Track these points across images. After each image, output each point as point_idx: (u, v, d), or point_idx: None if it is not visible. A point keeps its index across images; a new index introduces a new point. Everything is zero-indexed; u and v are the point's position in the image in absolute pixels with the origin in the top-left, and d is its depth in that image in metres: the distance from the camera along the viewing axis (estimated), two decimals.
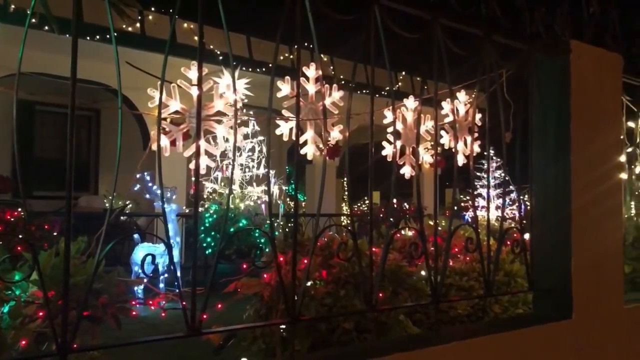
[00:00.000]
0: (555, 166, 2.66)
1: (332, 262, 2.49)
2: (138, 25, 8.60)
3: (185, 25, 9.22)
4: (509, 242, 2.62)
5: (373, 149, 1.99)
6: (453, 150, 2.22)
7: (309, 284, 2.47)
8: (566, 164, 2.62)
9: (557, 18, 2.83)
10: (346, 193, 22.84)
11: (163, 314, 4.78)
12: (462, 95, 2.45)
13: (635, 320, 3.03)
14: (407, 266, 2.73)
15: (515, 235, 2.65)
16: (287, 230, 10.56)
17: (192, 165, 1.41)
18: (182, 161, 9.79)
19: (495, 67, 2.45)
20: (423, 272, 2.28)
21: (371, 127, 1.96)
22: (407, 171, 2.32)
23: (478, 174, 15.00)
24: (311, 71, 2.19)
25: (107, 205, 13.02)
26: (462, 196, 16.87)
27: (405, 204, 15.32)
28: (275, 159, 16.19)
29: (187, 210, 8.69)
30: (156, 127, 1.48)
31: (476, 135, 2.46)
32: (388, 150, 2.31)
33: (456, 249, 3.30)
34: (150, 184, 7.05)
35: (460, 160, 2.42)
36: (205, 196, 8.54)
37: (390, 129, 2.09)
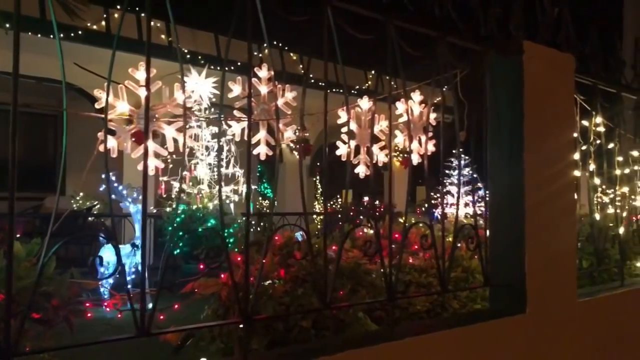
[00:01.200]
0: (509, 165, 2.72)
1: (290, 261, 2.51)
2: (103, 23, 8.48)
3: (152, 23, 9.09)
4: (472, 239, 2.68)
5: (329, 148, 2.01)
6: (408, 149, 2.26)
7: (267, 283, 2.48)
8: (519, 163, 2.68)
9: (511, 19, 2.90)
10: (319, 192, 22.89)
11: (119, 315, 4.73)
12: (416, 95, 2.49)
13: (589, 313, 3.13)
14: (367, 264, 2.77)
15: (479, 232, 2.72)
16: (259, 229, 10.53)
17: (140, 167, 1.41)
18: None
19: (450, 67, 2.49)
20: (385, 269, 2.30)
21: (325, 126, 1.98)
22: (361, 171, 2.35)
23: (447, 171, 15.23)
24: (263, 71, 2.21)
25: (74, 205, 12.82)
26: (432, 194, 17.04)
27: (377, 202, 15.43)
28: (245, 158, 16.10)
29: (155, 211, 8.61)
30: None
31: (431, 134, 2.51)
32: (342, 150, 2.34)
33: (416, 246, 3.35)
34: (115, 184, 6.96)
35: (415, 159, 2.47)
36: (173, 196, 8.46)
37: (344, 129, 2.12)
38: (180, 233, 7.37)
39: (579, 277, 4.72)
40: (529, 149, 2.70)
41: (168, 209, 8.17)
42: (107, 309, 3.86)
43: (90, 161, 1.87)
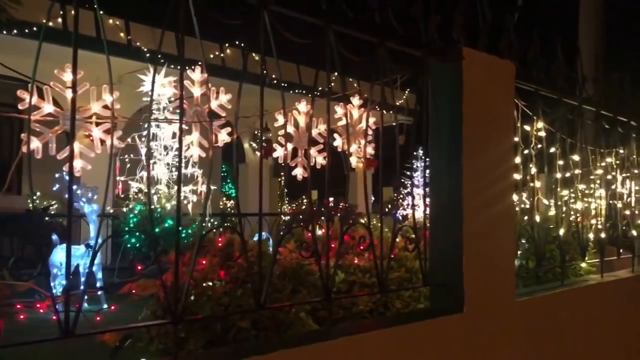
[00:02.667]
0: (449, 169, 2.79)
1: (231, 263, 2.52)
2: (60, 20, 8.31)
3: (111, 21, 8.98)
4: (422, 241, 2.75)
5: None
6: (346, 153, 2.30)
7: (206, 284, 2.49)
8: (459, 167, 2.76)
9: (453, 26, 2.98)
10: (285, 191, 22.86)
11: (54, 317, 4.63)
12: (355, 100, 2.54)
13: (527, 312, 3.23)
14: (309, 264, 2.80)
15: (425, 233, 2.79)
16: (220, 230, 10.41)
17: (65, 168, 1.41)
18: (107, 160, 9.54)
19: (389, 72, 2.55)
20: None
21: (261, 127, 2.00)
22: (299, 173, 2.39)
23: (408, 173, 15.40)
24: (196, 74, 2.22)
25: (30, 205, 12.52)
26: (395, 195, 17.23)
27: (341, 202, 15.54)
28: (209, 158, 16.00)
29: (111, 210, 8.48)
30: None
31: (370, 138, 2.56)
32: (279, 153, 2.36)
33: (362, 247, 3.40)
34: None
35: (354, 162, 2.51)
36: (130, 196, 8.37)
37: (281, 132, 2.14)
38: (157, 230, 7.32)
39: (525, 277, 4.87)
40: (468, 153, 2.77)
41: (125, 209, 8.06)
42: (41, 311, 3.80)
43: (14, 162, 1.85)
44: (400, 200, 16.93)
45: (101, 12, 1.63)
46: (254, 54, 2.29)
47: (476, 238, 2.79)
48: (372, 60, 2.51)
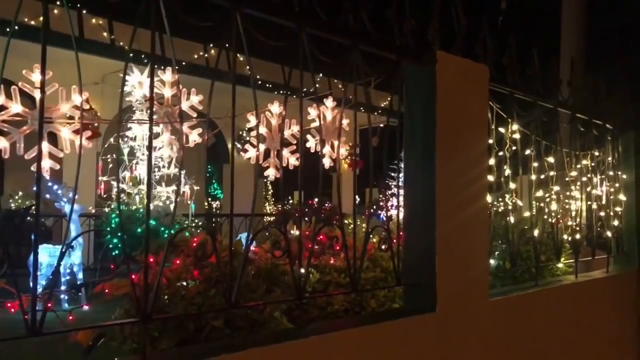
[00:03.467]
0: (422, 171, 2.83)
1: (205, 262, 2.54)
2: (41, 19, 8.21)
3: (94, 20, 8.94)
4: (395, 241, 2.79)
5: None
6: (319, 154, 2.34)
7: (180, 284, 2.51)
8: (432, 169, 2.80)
9: (429, 30, 3.02)
10: (270, 192, 22.85)
11: (25, 317, 4.60)
12: (329, 101, 2.57)
13: (500, 312, 3.28)
14: (284, 264, 2.83)
15: (401, 233, 2.83)
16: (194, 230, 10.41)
17: (33, 167, 1.42)
18: (90, 160, 9.50)
19: (363, 75, 2.58)
20: (303, 270, 2.37)
21: (232, 128, 2.02)
22: (271, 173, 2.42)
23: (393, 174, 15.46)
24: (167, 75, 2.24)
25: (12, 205, 12.41)
26: (381, 195, 17.31)
27: (328, 203, 15.57)
28: (195, 158, 15.98)
29: (93, 210, 8.44)
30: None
31: (344, 139, 2.59)
32: (252, 153, 2.39)
33: (338, 247, 3.43)
34: (50, 184, 6.80)
35: (327, 162, 2.54)
36: (113, 196, 8.33)
37: (254, 133, 2.17)
38: (139, 230, 7.28)
39: (503, 278, 4.93)
40: (441, 155, 2.81)
41: (106, 209, 8.03)
42: (12, 310, 3.78)
43: None
44: (385, 201, 16.98)
45: (79, 7, 1.63)
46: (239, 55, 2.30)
47: (449, 239, 2.84)
48: (346, 62, 2.54)
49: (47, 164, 1.63)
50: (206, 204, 19.13)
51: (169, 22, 1.95)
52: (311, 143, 2.52)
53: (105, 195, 8.48)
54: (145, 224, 1.71)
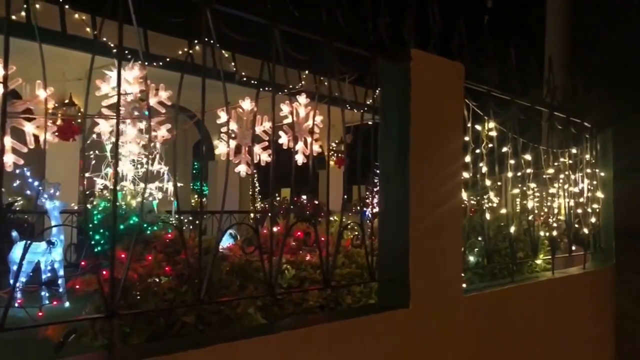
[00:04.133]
0: (396, 167, 2.85)
1: (177, 259, 2.54)
2: (23, 13, 8.17)
3: (77, 15, 8.86)
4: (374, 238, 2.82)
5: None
6: (292, 150, 2.34)
7: (151, 280, 2.51)
8: (405, 166, 2.82)
9: (404, 27, 3.04)
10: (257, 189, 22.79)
11: None
12: (302, 98, 2.57)
13: (475, 307, 3.31)
14: (258, 261, 2.83)
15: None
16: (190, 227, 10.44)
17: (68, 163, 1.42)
18: (73, 156, 9.44)
19: (337, 72, 2.59)
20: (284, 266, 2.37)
21: (202, 124, 2.02)
22: (242, 169, 2.42)
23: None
24: (135, 71, 2.23)
25: None
26: (367, 193, 17.37)
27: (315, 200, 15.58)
28: (180, 154, 15.92)
29: (75, 207, 8.38)
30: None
31: (317, 136, 2.60)
32: (222, 149, 2.39)
33: (312, 243, 3.46)
34: (30, 180, 6.75)
35: (300, 159, 2.55)
36: (96, 193, 8.28)
37: (224, 129, 2.17)
38: (122, 227, 7.25)
39: (482, 274, 4.97)
40: (415, 152, 2.83)
41: (88, 206, 7.96)
42: None
43: None
44: (371, 199, 16.98)
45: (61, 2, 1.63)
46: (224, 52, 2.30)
47: (423, 236, 2.86)
48: (321, 59, 2.55)
49: (10, 158, 1.62)
50: (193, 201, 19.08)
51: (143, 16, 1.95)
52: (284, 139, 2.52)
53: (87, 192, 8.42)
54: (112, 219, 1.71)
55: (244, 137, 2.07)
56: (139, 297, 2.34)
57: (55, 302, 4.78)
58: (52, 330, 2.39)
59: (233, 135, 1.93)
